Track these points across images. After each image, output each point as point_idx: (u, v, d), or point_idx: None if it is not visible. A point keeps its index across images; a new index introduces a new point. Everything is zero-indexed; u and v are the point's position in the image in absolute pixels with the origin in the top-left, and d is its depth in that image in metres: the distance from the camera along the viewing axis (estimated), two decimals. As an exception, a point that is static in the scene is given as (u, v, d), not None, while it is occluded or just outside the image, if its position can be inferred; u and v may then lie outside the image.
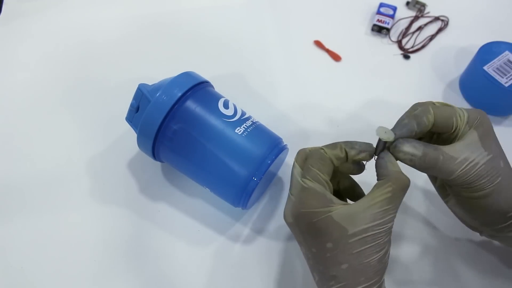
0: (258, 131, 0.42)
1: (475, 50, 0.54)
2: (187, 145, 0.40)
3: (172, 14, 0.64)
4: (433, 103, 0.36)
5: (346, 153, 0.35)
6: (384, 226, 0.31)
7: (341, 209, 0.31)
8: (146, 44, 0.61)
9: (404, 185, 0.32)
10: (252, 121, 0.42)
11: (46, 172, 0.49)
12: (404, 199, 0.33)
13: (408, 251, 0.44)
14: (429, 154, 0.33)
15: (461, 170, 0.33)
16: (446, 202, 0.40)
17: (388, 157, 0.33)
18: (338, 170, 0.36)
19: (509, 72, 0.51)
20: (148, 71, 0.57)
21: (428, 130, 0.35)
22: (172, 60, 0.59)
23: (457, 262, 0.43)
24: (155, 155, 0.43)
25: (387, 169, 0.33)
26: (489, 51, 0.53)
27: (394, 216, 0.32)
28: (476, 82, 0.53)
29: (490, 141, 0.34)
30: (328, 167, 0.35)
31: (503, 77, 0.50)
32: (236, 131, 0.40)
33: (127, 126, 0.45)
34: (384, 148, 0.34)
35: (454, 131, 0.35)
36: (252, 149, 0.40)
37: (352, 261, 0.31)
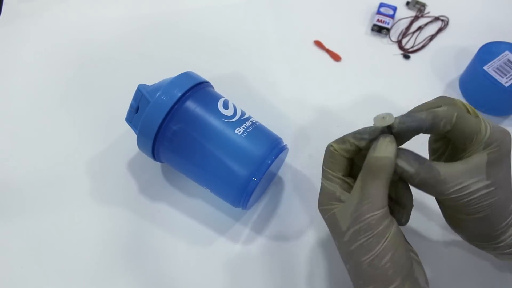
0: (258, 131, 0.42)
1: (475, 50, 0.54)
2: (187, 146, 0.40)
3: (172, 14, 0.64)
4: (461, 108, 0.33)
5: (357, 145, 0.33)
6: (359, 220, 0.30)
7: (342, 207, 0.31)
8: (145, 44, 0.61)
9: (370, 168, 0.30)
10: (252, 121, 0.42)
11: (46, 172, 0.49)
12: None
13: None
14: (421, 174, 0.31)
15: (451, 196, 0.31)
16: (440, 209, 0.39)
17: (375, 142, 0.31)
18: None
19: (509, 72, 0.51)
20: (147, 71, 0.57)
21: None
22: (171, 60, 0.59)
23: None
24: (155, 155, 0.43)
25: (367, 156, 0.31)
26: (489, 51, 0.53)
27: (371, 209, 0.30)
28: (476, 82, 0.53)
29: (498, 170, 0.31)
30: (340, 163, 0.34)
31: (503, 77, 0.50)
32: (236, 131, 0.40)
33: (127, 126, 0.45)
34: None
35: (466, 148, 0.32)
36: (252, 149, 0.40)
37: (349, 260, 0.31)
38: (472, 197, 0.31)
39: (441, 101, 0.34)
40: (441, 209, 0.37)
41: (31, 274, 0.42)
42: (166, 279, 0.42)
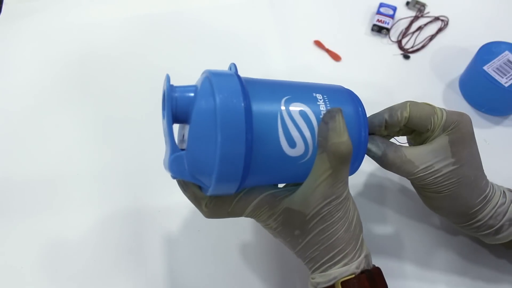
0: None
1: (475, 50, 0.54)
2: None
3: (173, 14, 0.64)
4: (415, 102, 0.36)
5: None
6: (336, 200, 0.31)
7: (294, 197, 0.32)
8: (146, 44, 0.61)
9: (341, 157, 0.30)
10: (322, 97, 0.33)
11: (46, 172, 0.49)
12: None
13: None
14: (388, 155, 0.34)
15: (418, 174, 0.34)
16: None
17: (333, 122, 0.30)
18: None
19: (509, 72, 0.51)
20: (148, 71, 0.57)
21: (405, 126, 0.36)
22: (172, 60, 0.59)
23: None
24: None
25: (326, 139, 0.30)
26: (489, 51, 0.53)
27: (345, 187, 0.32)
28: (476, 82, 0.53)
29: (461, 148, 0.34)
30: None
31: (503, 77, 0.50)
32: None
33: (126, 126, 0.45)
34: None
35: (428, 131, 0.35)
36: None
37: (320, 239, 0.32)
38: (438, 174, 0.34)
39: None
40: (418, 193, 0.40)
41: (31, 274, 0.42)
42: (166, 279, 0.42)
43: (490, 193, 0.36)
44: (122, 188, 0.48)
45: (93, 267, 0.43)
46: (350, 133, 0.31)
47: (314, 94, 0.33)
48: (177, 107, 0.30)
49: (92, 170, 0.49)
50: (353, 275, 0.31)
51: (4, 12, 0.64)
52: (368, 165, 0.50)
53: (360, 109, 0.34)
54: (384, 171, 0.49)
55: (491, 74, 0.51)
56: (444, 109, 0.36)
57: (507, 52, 0.53)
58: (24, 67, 0.58)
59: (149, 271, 0.43)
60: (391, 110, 0.36)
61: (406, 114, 0.35)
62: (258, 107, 0.30)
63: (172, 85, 0.31)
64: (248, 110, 0.29)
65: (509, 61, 0.52)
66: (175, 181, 0.48)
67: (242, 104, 0.29)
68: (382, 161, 0.35)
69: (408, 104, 0.35)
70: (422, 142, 0.37)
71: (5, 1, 0.65)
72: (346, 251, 0.32)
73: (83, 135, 0.52)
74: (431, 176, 0.34)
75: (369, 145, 0.35)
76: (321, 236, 0.32)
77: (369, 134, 0.36)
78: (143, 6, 0.65)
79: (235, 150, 0.28)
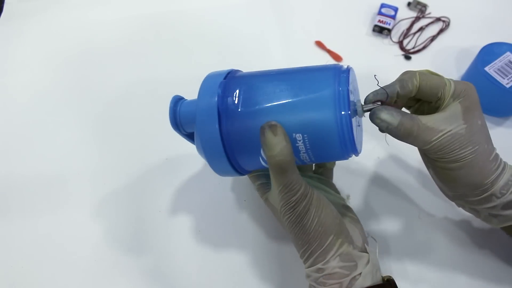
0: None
1: (476, 51, 0.54)
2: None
3: (174, 14, 0.64)
4: (421, 71, 0.36)
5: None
6: (287, 205, 0.34)
7: (270, 193, 0.36)
8: (147, 44, 0.61)
9: (276, 168, 0.33)
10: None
11: (46, 172, 0.49)
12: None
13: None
14: (405, 123, 0.33)
15: (435, 141, 0.34)
16: (428, 170, 0.40)
17: (263, 137, 0.32)
18: None
19: (510, 73, 0.51)
20: (147, 71, 0.57)
21: (413, 97, 0.36)
22: (173, 60, 0.59)
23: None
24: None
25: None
26: (490, 52, 0.53)
27: (295, 194, 0.33)
28: (477, 83, 0.52)
29: (472, 115, 0.35)
30: None
31: (504, 78, 0.50)
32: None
33: (127, 126, 0.45)
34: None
35: (438, 100, 0.35)
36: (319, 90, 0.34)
37: (290, 231, 0.35)
38: (453, 142, 0.34)
39: (404, 72, 0.37)
40: (429, 168, 0.39)
41: (31, 274, 0.42)
42: (166, 279, 0.42)
43: (502, 163, 0.36)
44: (123, 188, 0.48)
45: (93, 267, 0.43)
46: (326, 140, 0.33)
47: (292, 100, 0.35)
48: (181, 118, 0.38)
49: (92, 170, 0.49)
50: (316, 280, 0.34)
51: (5, 11, 0.64)
52: (368, 165, 0.50)
53: (343, 115, 0.32)
54: (382, 171, 0.49)
55: (492, 75, 0.51)
56: (450, 79, 0.36)
57: (508, 53, 0.53)
58: (25, 67, 0.58)
59: (150, 271, 0.43)
60: (401, 81, 0.35)
61: (416, 83, 0.35)
62: (240, 117, 0.35)
63: (176, 96, 0.39)
64: (223, 114, 0.35)
65: (510, 62, 0.52)
66: (175, 181, 0.48)
67: (216, 115, 0.34)
68: (398, 130, 0.33)
69: (417, 73, 0.36)
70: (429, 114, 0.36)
71: (6, 1, 0.65)
72: (311, 249, 0.34)
73: (84, 134, 0.52)
74: (448, 144, 0.33)
75: (384, 115, 0.33)
76: (289, 230, 0.35)
77: (381, 104, 0.35)
78: (144, 6, 0.65)
79: (215, 152, 0.35)
